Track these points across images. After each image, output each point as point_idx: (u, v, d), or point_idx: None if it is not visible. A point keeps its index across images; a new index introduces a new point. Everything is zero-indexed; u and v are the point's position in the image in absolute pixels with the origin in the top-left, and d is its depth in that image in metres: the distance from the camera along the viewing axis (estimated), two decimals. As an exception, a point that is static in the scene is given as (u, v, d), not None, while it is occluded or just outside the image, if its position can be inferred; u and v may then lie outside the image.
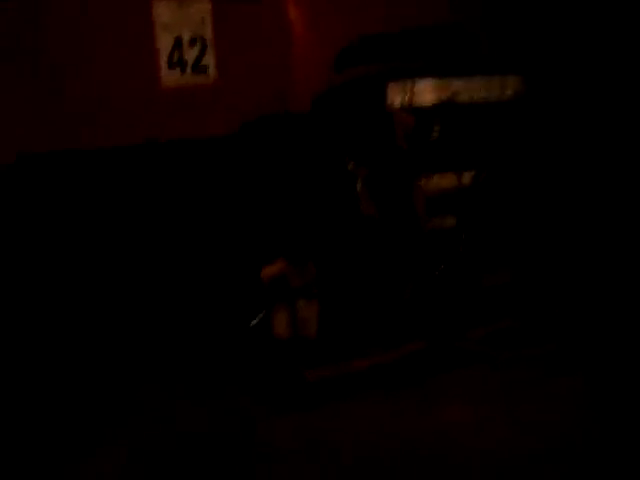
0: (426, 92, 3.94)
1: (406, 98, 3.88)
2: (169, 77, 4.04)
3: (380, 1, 4.15)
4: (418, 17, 4.17)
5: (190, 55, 4.02)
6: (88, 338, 3.91)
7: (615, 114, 4.47)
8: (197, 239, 4.03)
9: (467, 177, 4.06)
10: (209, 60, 4.06)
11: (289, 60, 4.07)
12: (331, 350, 3.74)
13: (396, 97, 3.87)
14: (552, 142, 4.38)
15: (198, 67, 4.05)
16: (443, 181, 3.97)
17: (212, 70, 4.07)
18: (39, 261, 3.94)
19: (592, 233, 4.41)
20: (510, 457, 3.12)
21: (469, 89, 4.08)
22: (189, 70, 4.06)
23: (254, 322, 3.78)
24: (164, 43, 4.00)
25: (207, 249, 4.01)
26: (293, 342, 3.70)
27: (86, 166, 3.98)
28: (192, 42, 4.02)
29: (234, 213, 4.04)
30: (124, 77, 3.98)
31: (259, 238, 3.96)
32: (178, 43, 4.01)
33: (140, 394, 3.78)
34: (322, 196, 3.90)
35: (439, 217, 3.95)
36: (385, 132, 3.86)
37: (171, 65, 4.04)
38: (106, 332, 3.92)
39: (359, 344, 3.79)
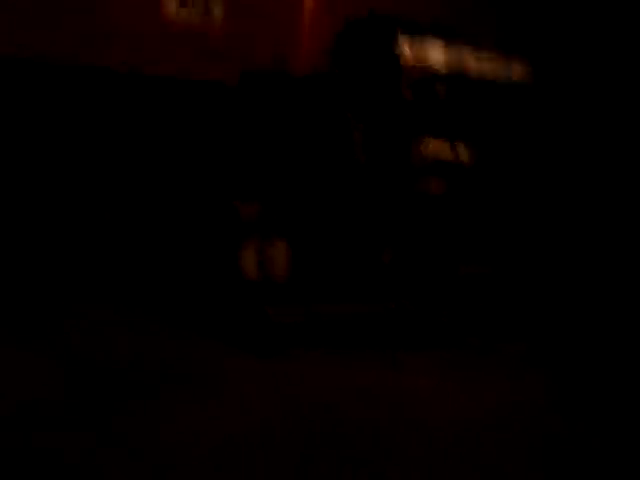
0: (435, 51, 3.82)
1: (415, 51, 3.76)
2: (178, 14, 3.92)
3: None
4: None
5: (198, -2, 3.89)
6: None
7: (615, 115, 4.43)
8: (181, 171, 3.88)
9: (462, 149, 3.95)
10: (218, 4, 3.93)
11: (297, 22, 3.95)
12: (300, 295, 3.54)
13: (406, 47, 3.74)
14: (551, 133, 4.31)
15: (207, 9, 3.92)
16: (439, 146, 3.85)
17: (218, 14, 3.94)
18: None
19: (577, 230, 4.34)
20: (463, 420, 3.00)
21: (476, 60, 3.98)
22: (198, 11, 3.94)
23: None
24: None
25: (190, 182, 3.87)
26: (261, 283, 3.49)
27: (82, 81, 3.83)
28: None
29: (220, 153, 3.91)
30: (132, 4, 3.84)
31: (240, 179, 3.79)
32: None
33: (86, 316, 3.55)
34: (314, 142, 3.74)
35: (431, 180, 3.82)
36: (391, 80, 3.72)
37: (182, 4, 3.92)
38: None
39: (329, 293, 3.60)
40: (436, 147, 3.84)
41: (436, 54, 3.84)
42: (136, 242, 3.81)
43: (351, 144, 3.69)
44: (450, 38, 3.90)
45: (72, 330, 3.39)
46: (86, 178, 3.89)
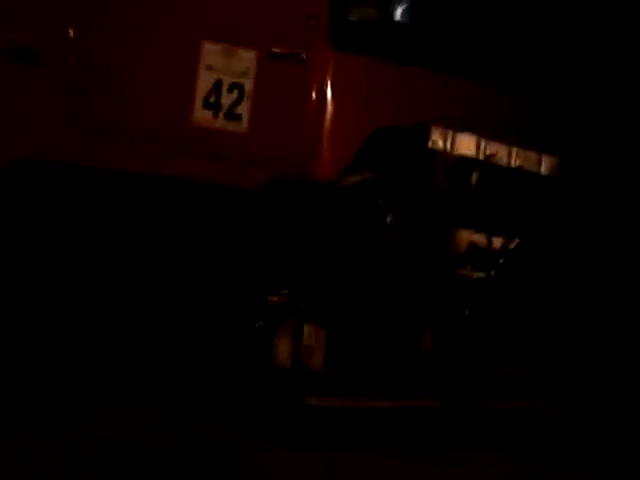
0: (466, 143, 3.87)
1: (447, 143, 3.80)
2: (202, 117, 3.99)
3: (419, 98, 4.15)
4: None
5: (227, 100, 3.98)
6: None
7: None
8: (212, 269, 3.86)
9: (498, 241, 3.92)
10: (244, 109, 4.01)
11: (322, 128, 4.02)
12: (337, 385, 3.40)
13: (438, 139, 3.79)
14: (582, 228, 4.27)
15: (232, 114, 4.00)
16: (475, 236, 3.82)
17: (245, 120, 4.01)
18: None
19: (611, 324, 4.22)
20: None
21: (507, 154, 4.01)
22: (222, 114, 4.02)
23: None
24: (204, 83, 3.97)
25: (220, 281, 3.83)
26: (295, 372, 3.36)
27: (103, 184, 3.87)
28: (231, 88, 3.99)
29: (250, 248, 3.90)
30: (158, 106, 3.93)
31: (273, 269, 3.76)
32: (218, 86, 3.98)
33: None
34: (348, 230, 3.73)
35: (468, 268, 3.76)
36: (425, 169, 3.74)
37: (206, 105, 3.99)
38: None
39: (367, 384, 3.45)
40: (471, 234, 3.81)
41: (469, 146, 3.88)
42: (168, 334, 3.73)
43: (384, 229, 3.66)
44: (482, 133, 3.95)
45: (106, 421, 3.26)
46: (118, 276, 3.87)
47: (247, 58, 3.99)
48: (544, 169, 4.12)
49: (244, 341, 3.56)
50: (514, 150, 4.04)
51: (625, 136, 4.65)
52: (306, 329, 3.45)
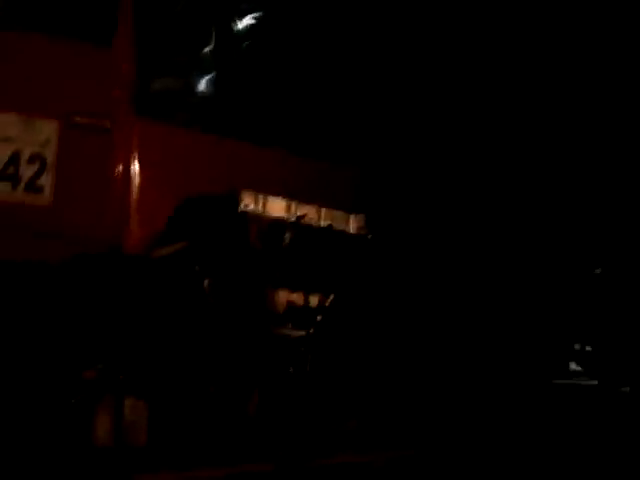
0: (277, 206, 3.96)
1: (259, 206, 3.86)
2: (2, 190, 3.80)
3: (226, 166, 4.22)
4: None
5: (27, 172, 3.82)
6: None
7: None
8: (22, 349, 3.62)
9: (314, 299, 4.01)
10: (46, 181, 3.87)
11: (128, 199, 3.97)
12: (164, 459, 3.26)
13: (250, 202, 3.84)
14: (393, 283, 4.48)
15: (33, 186, 3.84)
16: (292, 296, 3.88)
17: (47, 192, 3.86)
18: None
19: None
20: None
21: (316, 215, 4.15)
22: (22, 186, 3.84)
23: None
24: (1, 155, 3.80)
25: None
26: (119, 450, 3.19)
27: None
28: (31, 159, 3.84)
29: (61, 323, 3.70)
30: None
31: (84, 345, 3.59)
32: (15, 157, 3.82)
33: None
34: (163, 300, 3.65)
35: (288, 326, 3.79)
36: (238, 232, 3.77)
37: (4, 178, 3.81)
38: None
39: (197, 454, 3.34)
40: (288, 293, 3.86)
41: (280, 208, 3.97)
42: None
43: (202, 294, 3.63)
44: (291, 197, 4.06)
45: None
46: None
47: (48, 128, 3.87)
48: (352, 227, 4.30)
49: (61, 420, 3.35)
50: (323, 210, 4.19)
51: (430, 192, 4.96)
52: (126, 403, 3.30)
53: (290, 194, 4.09)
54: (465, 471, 3.91)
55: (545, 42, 5.44)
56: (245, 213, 3.78)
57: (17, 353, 3.62)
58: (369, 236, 4.32)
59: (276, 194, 4.02)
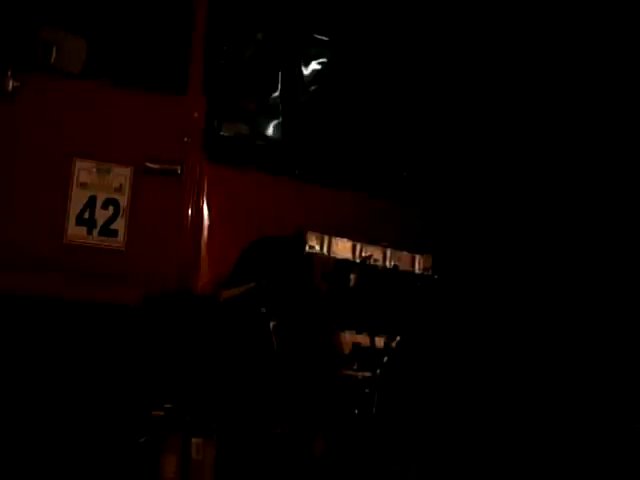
0: (342, 247, 3.99)
1: (324, 248, 3.90)
2: (76, 234, 3.95)
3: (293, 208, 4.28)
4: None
5: (101, 217, 3.97)
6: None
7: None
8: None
9: (380, 340, 4.01)
10: (119, 225, 4.01)
11: (199, 242, 4.07)
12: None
13: (315, 244, 3.89)
14: (460, 321, 4.44)
15: (107, 230, 3.99)
16: (358, 337, 3.88)
17: (121, 235, 4.00)
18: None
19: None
20: None
21: (382, 256, 4.16)
22: (97, 231, 3.99)
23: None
24: (76, 201, 3.96)
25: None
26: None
27: None
28: (105, 204, 3.99)
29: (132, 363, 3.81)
30: (30, 224, 3.88)
31: (154, 387, 3.67)
32: (92, 202, 3.97)
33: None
34: (231, 342, 3.71)
35: (353, 368, 3.79)
36: (303, 274, 3.81)
37: (79, 223, 3.96)
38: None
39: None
40: (354, 334, 3.87)
41: (345, 249, 4.00)
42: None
43: (268, 336, 3.67)
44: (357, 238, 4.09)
45: None
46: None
47: (122, 174, 4.01)
48: (418, 268, 4.29)
49: (129, 459, 3.42)
50: (388, 251, 4.20)
51: (491, 233, 4.93)
52: (194, 443, 3.35)
53: (356, 234, 4.13)
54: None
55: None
56: (311, 254, 3.83)
57: (90, 391, 3.73)
58: (435, 277, 4.30)
59: (342, 235, 4.06)
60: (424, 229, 4.64)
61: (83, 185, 3.99)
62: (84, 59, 3.98)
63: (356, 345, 3.89)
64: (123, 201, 4.01)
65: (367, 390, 3.78)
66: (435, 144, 4.86)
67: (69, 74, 3.96)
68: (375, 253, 4.11)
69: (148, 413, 3.53)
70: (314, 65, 4.54)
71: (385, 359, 3.97)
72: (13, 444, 3.64)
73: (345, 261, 3.92)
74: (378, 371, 3.89)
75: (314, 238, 3.88)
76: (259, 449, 3.51)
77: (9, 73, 3.82)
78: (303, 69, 4.51)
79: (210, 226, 4.08)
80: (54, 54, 3.91)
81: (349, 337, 3.89)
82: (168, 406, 3.47)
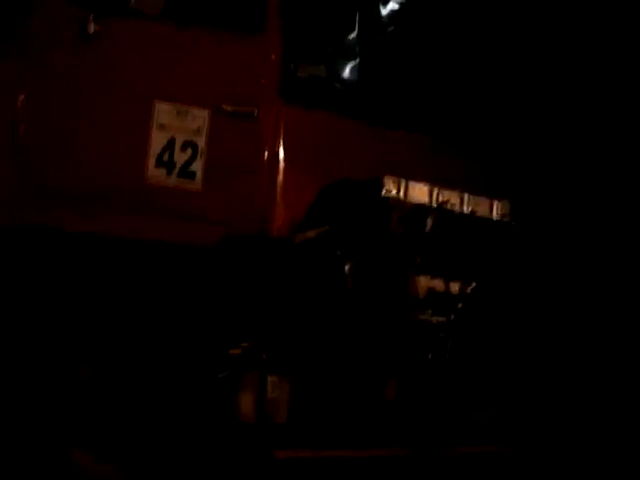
0: (419, 191, 3.95)
1: (401, 192, 3.87)
2: (155, 175, 4.00)
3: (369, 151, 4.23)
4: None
5: (180, 159, 4.00)
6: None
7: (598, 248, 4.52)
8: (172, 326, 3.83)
9: (455, 285, 3.98)
10: (197, 167, 4.03)
11: (275, 184, 4.06)
12: (304, 438, 3.36)
13: (392, 188, 3.86)
14: (537, 270, 4.36)
15: (186, 172, 4.02)
16: (433, 282, 3.87)
17: (199, 177, 4.03)
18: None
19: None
20: None
21: (459, 201, 4.10)
22: (176, 172, 4.03)
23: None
24: (156, 142, 4.00)
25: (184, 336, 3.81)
26: (262, 426, 3.32)
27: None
28: (184, 146, 4.02)
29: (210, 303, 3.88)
30: (111, 166, 3.94)
31: (233, 323, 3.75)
32: (171, 144, 4.01)
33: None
34: (307, 282, 3.75)
35: (428, 313, 3.79)
36: (380, 218, 3.80)
37: (159, 164, 4.00)
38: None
39: (333, 435, 3.43)
40: (429, 279, 3.86)
41: (422, 194, 3.96)
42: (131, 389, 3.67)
43: (343, 278, 3.69)
44: (434, 182, 4.04)
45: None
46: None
47: (200, 117, 4.03)
48: (496, 214, 4.22)
49: (207, 395, 3.52)
50: (466, 196, 4.14)
51: (573, 177, 4.79)
52: (269, 381, 3.43)
53: (433, 179, 4.07)
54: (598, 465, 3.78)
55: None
56: (387, 199, 3.81)
57: (170, 332, 3.83)
58: (513, 223, 4.22)
59: (419, 179, 4.01)
60: (503, 176, 4.54)
61: (162, 127, 4.02)
62: (163, 1, 3.98)
63: (431, 290, 3.88)
64: (201, 143, 4.04)
65: (441, 335, 3.78)
66: (516, 91, 4.72)
67: (148, 16, 3.97)
68: (452, 198, 4.06)
69: (226, 352, 3.61)
70: (392, 4, 4.44)
71: (460, 305, 3.94)
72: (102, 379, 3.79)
73: (421, 206, 3.89)
74: (452, 316, 3.87)
75: (391, 182, 3.86)
76: (333, 390, 3.57)
77: (91, 17, 3.85)
78: (381, 9, 4.42)
79: (286, 168, 4.08)
80: (133, -3, 3.93)
81: (424, 282, 3.88)
82: (245, 345, 3.54)
